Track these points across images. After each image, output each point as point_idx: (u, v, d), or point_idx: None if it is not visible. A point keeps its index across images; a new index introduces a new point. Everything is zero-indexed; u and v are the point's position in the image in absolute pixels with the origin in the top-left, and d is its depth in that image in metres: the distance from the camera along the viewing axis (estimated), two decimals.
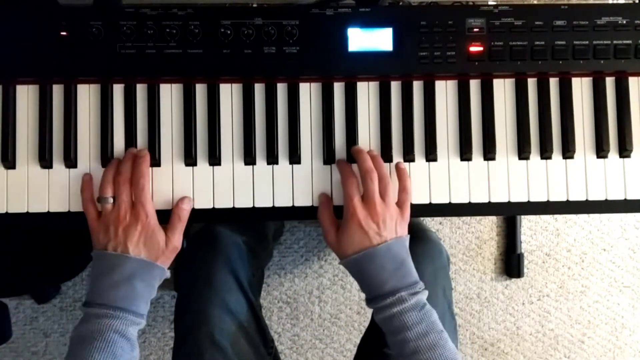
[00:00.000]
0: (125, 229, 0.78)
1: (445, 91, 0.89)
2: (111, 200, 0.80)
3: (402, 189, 0.86)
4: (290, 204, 0.86)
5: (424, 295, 0.81)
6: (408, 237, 0.85)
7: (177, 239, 0.82)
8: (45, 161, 0.85)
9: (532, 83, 0.89)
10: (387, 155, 0.87)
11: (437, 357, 0.76)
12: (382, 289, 0.80)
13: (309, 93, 0.88)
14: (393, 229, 0.82)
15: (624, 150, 0.89)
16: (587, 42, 0.87)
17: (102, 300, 0.76)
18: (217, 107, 0.87)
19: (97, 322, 0.75)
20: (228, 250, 0.94)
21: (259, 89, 0.87)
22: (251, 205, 0.86)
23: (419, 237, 1.03)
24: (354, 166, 0.86)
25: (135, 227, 0.79)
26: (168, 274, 0.82)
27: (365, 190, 0.83)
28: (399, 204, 0.85)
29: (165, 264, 0.81)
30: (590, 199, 0.88)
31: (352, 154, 0.87)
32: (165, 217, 0.83)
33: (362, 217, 0.81)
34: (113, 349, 0.74)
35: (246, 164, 0.87)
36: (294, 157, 0.87)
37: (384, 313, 0.80)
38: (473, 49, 0.87)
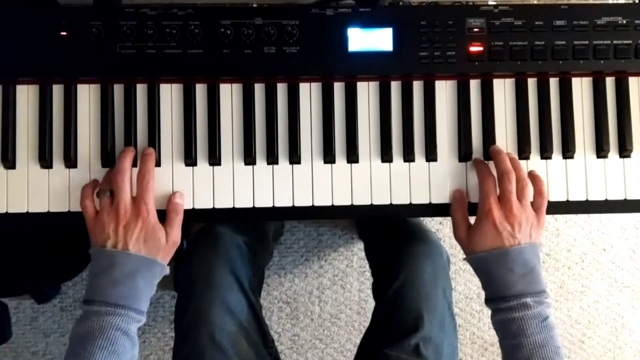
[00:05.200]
0: (126, 226, 0.78)
1: (445, 91, 0.89)
2: (108, 193, 0.80)
3: (538, 193, 0.84)
4: (290, 204, 0.86)
5: (548, 308, 0.80)
6: (541, 244, 0.83)
7: (176, 234, 0.82)
8: (45, 161, 0.85)
9: (532, 83, 0.89)
10: (386, 156, 0.87)
11: None
12: (506, 292, 0.79)
13: (309, 93, 0.88)
14: (528, 232, 0.81)
15: (624, 150, 0.89)
16: (587, 42, 0.87)
17: (102, 297, 0.76)
18: (217, 107, 0.87)
19: (98, 319, 0.75)
20: (228, 250, 0.94)
21: (259, 89, 0.87)
22: (251, 205, 0.86)
23: (419, 238, 1.02)
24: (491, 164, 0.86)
25: (135, 223, 0.78)
26: (167, 271, 0.82)
27: (502, 191, 0.82)
28: (535, 208, 0.83)
29: (165, 260, 0.81)
30: (590, 199, 0.88)
31: (490, 154, 0.86)
32: (164, 216, 0.83)
33: (497, 217, 0.80)
34: (115, 346, 0.74)
35: (246, 164, 0.87)
36: (294, 157, 0.87)
37: (504, 315, 0.79)
38: (473, 49, 0.87)
